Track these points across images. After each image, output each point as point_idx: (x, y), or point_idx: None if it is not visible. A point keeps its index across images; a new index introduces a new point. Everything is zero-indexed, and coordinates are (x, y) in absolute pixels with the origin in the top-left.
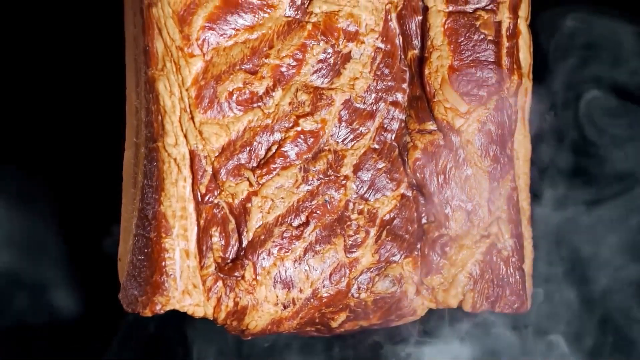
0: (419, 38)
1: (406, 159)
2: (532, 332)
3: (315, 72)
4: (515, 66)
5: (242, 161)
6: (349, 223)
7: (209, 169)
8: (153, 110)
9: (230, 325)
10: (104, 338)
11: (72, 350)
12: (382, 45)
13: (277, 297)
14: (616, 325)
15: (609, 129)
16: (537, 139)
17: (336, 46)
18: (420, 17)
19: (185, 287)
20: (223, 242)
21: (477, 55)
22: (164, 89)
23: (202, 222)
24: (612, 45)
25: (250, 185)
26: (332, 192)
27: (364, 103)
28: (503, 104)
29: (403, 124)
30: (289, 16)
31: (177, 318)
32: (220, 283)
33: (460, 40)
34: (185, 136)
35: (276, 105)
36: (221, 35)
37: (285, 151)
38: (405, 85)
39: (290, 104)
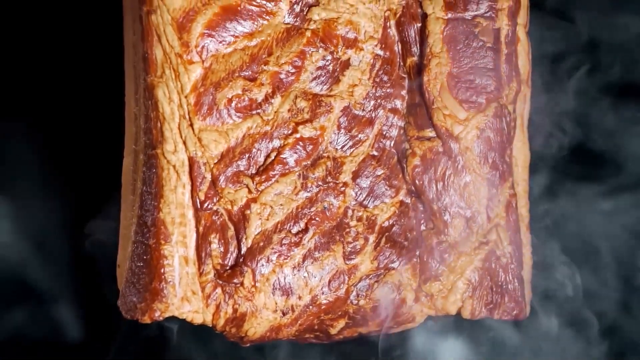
0: (418, 45)
1: (405, 165)
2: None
3: (314, 79)
4: (514, 73)
5: (241, 168)
6: (347, 230)
7: (208, 176)
8: (152, 117)
9: (229, 332)
10: (104, 344)
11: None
12: (381, 52)
13: (276, 303)
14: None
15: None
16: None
17: (335, 53)
18: (419, 24)
19: (184, 293)
20: (222, 249)
21: (476, 62)
22: (163, 95)
23: (201, 228)
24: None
25: (249, 192)
26: (331, 199)
27: (363, 110)
28: (502, 111)
29: (402, 131)
30: (288, 23)
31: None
32: (219, 290)
33: (459, 48)
34: (184, 143)
35: (275, 112)
36: (220, 42)
37: (284, 158)
38: (404, 92)
39: (289, 110)
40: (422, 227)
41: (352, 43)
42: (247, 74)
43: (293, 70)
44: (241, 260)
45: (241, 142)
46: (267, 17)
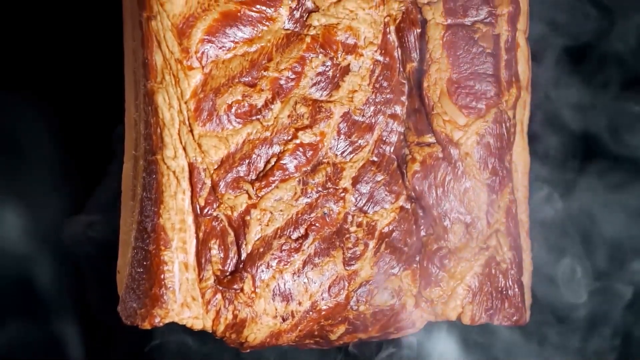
0: (418, 51)
1: (405, 171)
2: None
3: (314, 84)
4: (513, 79)
5: (241, 174)
6: (347, 236)
7: (208, 182)
8: (152, 123)
9: (229, 337)
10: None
11: None
12: (380, 58)
13: (276, 309)
14: None
15: None
16: None
17: (335, 59)
18: (419, 30)
19: (184, 299)
20: (222, 255)
21: (476, 68)
22: (162, 101)
23: (201, 234)
24: None
25: (249, 197)
26: (331, 205)
27: (363, 116)
28: (501, 116)
29: (402, 137)
30: (288, 29)
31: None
32: (219, 296)
33: (458, 53)
34: (184, 149)
35: (275, 118)
36: (220, 48)
37: (284, 164)
38: (404, 98)
39: (289, 116)
40: (422, 233)
41: (352, 49)
42: (247, 79)
43: (293, 76)
44: (241, 266)
45: (241, 148)
46: (267, 23)
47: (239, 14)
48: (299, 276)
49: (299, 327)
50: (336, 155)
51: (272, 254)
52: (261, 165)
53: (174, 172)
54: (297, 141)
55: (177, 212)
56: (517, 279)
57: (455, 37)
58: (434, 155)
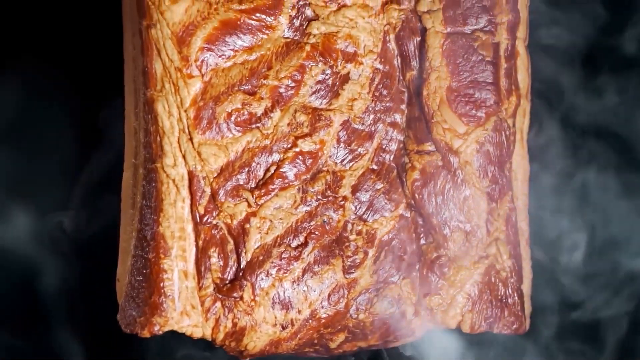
0: (417, 59)
1: (404, 179)
2: None
3: (314, 93)
4: (513, 87)
5: (241, 182)
6: (347, 244)
7: (208, 190)
8: (152, 131)
9: (229, 346)
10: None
11: None
12: (380, 66)
13: (276, 317)
14: None
15: None
16: None
17: (335, 67)
18: (418, 38)
19: (183, 307)
20: (221, 263)
21: (475, 76)
22: (162, 109)
23: (200, 242)
24: None
25: (249, 206)
26: (331, 213)
27: (363, 124)
28: (501, 124)
29: (401, 145)
30: (288, 37)
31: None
32: (218, 304)
33: (458, 62)
34: (183, 157)
35: (275, 126)
36: (220, 56)
37: (284, 172)
38: (403, 106)
39: (288, 124)
40: (422, 241)
41: (352, 57)
42: (246, 88)
43: (292, 84)
44: (241, 274)
45: (241, 156)
46: (267, 32)
47: (238, 22)
48: (298, 284)
49: (299, 336)
50: (336, 163)
51: (272, 262)
52: (261, 173)
53: (173, 180)
54: (297, 149)
55: (177, 220)
56: (517, 287)
57: (454, 46)
58: (433, 163)
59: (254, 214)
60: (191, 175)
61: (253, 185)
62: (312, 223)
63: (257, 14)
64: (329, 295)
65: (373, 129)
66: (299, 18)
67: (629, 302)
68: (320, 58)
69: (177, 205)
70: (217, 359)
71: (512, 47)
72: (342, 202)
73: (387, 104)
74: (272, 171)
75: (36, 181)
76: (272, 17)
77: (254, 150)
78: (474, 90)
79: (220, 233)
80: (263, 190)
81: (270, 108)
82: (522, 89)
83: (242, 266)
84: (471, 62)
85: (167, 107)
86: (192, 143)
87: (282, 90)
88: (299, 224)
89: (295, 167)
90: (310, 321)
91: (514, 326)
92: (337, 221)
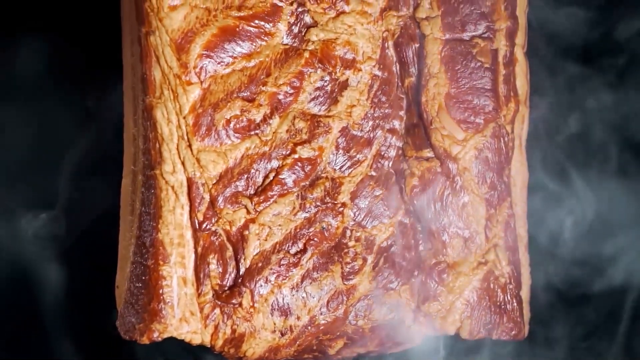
0: (416, 65)
1: (403, 186)
2: None
3: (313, 99)
4: (512, 93)
5: (240, 188)
6: (346, 250)
7: (207, 197)
8: (151, 138)
9: (228, 352)
10: None
11: None
12: (379, 73)
13: (275, 324)
14: None
15: None
16: None
17: (333, 74)
18: (417, 45)
19: (182, 314)
20: (220, 270)
21: (474, 82)
22: (161, 116)
23: (199, 249)
24: None
25: (248, 212)
26: (330, 220)
27: (361, 130)
28: (500, 131)
29: (400, 151)
30: (287, 44)
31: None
32: (217, 310)
33: (457, 68)
34: (182, 164)
35: (273, 132)
36: (219, 63)
37: (283, 178)
38: (402, 113)
39: (287, 131)
40: (421, 248)
41: (351, 64)
42: (245, 94)
43: (291, 91)
44: (240, 280)
45: (239, 162)
46: (266, 38)
47: (237, 29)
48: (297, 291)
49: (298, 342)
50: (335, 170)
51: (271, 269)
52: (260, 180)
53: (172, 187)
54: (296, 156)
55: (176, 227)
56: (516, 294)
57: (453, 52)
58: (432, 169)
59: (252, 221)
60: (190, 182)
61: (252, 192)
62: (311, 229)
63: (256, 21)
64: (328, 302)
65: (372, 135)
66: (298, 25)
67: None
68: (319, 65)
69: (176, 212)
70: None
71: (511, 53)
72: (341, 209)
73: (386, 111)
74: (271, 178)
75: (36, 185)
76: (271, 24)
77: (253, 156)
78: (473, 97)
79: (219, 240)
80: (262, 197)
81: (269, 115)
82: (521, 95)
83: (241, 273)
84: (470, 68)
85: (166, 114)
86: (191, 150)
87: (280, 96)
88: (298, 230)
89: (294, 173)
90: (309, 327)
91: (513, 332)
92: (336, 227)
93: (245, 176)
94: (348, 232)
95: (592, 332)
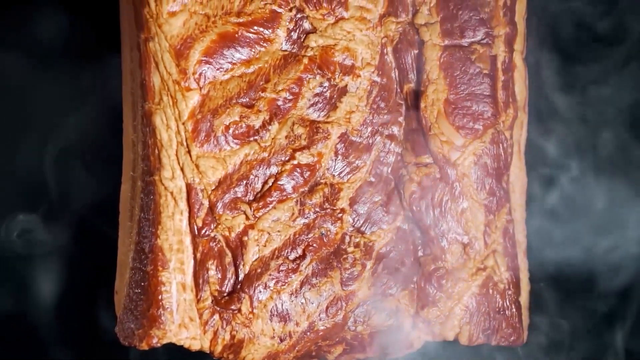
0: (415, 71)
1: (402, 192)
2: None
3: (312, 105)
4: (510, 99)
5: (239, 194)
6: (345, 256)
7: (206, 203)
8: (150, 144)
9: (227, 358)
10: None
11: None
12: (378, 79)
13: (274, 330)
14: None
15: None
16: None
17: (332, 80)
18: (416, 51)
19: (181, 320)
20: (219, 276)
21: (473, 88)
22: (160, 122)
23: (198, 255)
24: None
25: (247, 218)
26: (329, 225)
27: (360, 136)
28: (499, 137)
29: (399, 157)
30: (286, 50)
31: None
32: (216, 316)
33: (456, 74)
34: (182, 169)
35: (273, 138)
36: (218, 69)
37: (282, 184)
38: (401, 119)
39: (286, 137)
40: (420, 253)
41: (349, 70)
42: (244, 100)
43: (290, 97)
44: (239, 286)
45: (238, 168)
46: (265, 44)
47: (236, 35)
48: (296, 297)
49: (297, 348)
50: (333, 175)
51: (270, 275)
52: (259, 186)
53: (171, 193)
54: (295, 162)
55: (175, 232)
56: (515, 299)
57: (452, 58)
58: (431, 175)
59: (251, 227)
60: (189, 188)
61: (251, 198)
62: (310, 235)
63: (255, 27)
64: (327, 308)
65: (371, 141)
66: (297, 31)
67: None
68: (318, 71)
69: (175, 217)
70: None
71: (510, 59)
72: (340, 215)
73: (385, 117)
74: (270, 184)
75: (35, 190)
76: (270, 30)
77: (252, 162)
78: (472, 103)
79: (219, 245)
80: (261, 203)
81: (268, 121)
82: (520, 101)
83: (240, 279)
84: (469, 74)
85: (165, 119)
86: (190, 156)
87: (280, 103)
88: (297, 236)
89: (293, 179)
90: (308, 333)
91: (512, 338)
92: (335, 233)
93: (244, 182)
94: (347, 238)
95: (593, 332)
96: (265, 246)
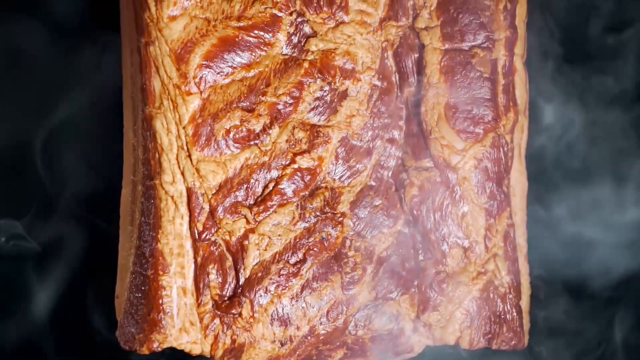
0: (415, 75)
1: (403, 196)
2: None
3: (312, 109)
4: (511, 103)
5: (239, 198)
6: (345, 260)
7: (206, 207)
8: (150, 148)
9: None
10: None
11: None
12: (378, 83)
13: (274, 334)
14: None
15: None
16: None
17: (333, 84)
18: (416, 55)
19: (182, 324)
20: (220, 280)
21: (473, 92)
22: (161, 126)
23: (199, 259)
24: None
25: (247, 222)
26: (329, 229)
27: (361, 140)
28: (499, 141)
29: (399, 161)
30: (286, 54)
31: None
32: (217, 320)
33: (456, 78)
34: (182, 174)
35: (273, 142)
36: (218, 73)
37: (282, 188)
38: (401, 123)
39: (287, 141)
40: (420, 257)
41: (350, 74)
42: (245, 104)
43: (291, 101)
44: (239, 290)
45: (239, 172)
46: (265, 48)
47: (237, 39)
48: (297, 301)
49: (297, 352)
50: (334, 179)
51: (271, 279)
52: (259, 190)
53: (172, 197)
54: (295, 166)
55: (176, 237)
56: (515, 303)
57: (452, 62)
58: (431, 179)
59: (252, 231)
60: (190, 192)
61: (251, 202)
62: (311, 239)
63: (256, 31)
64: (328, 312)
65: (371, 145)
66: (297, 35)
67: None
68: (319, 75)
69: (176, 222)
70: None
71: (510, 63)
72: (341, 219)
73: (385, 121)
74: (271, 188)
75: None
76: (271, 34)
77: (253, 166)
78: (472, 107)
79: (219, 250)
80: (261, 207)
81: (269, 125)
82: (520, 105)
83: (240, 283)
84: (469, 78)
85: (165, 124)
86: (191, 160)
87: (280, 107)
88: (298, 240)
89: (293, 183)
90: (309, 337)
91: (513, 342)
92: (335, 237)
93: (245, 186)
94: (347, 242)
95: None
96: (265, 250)
